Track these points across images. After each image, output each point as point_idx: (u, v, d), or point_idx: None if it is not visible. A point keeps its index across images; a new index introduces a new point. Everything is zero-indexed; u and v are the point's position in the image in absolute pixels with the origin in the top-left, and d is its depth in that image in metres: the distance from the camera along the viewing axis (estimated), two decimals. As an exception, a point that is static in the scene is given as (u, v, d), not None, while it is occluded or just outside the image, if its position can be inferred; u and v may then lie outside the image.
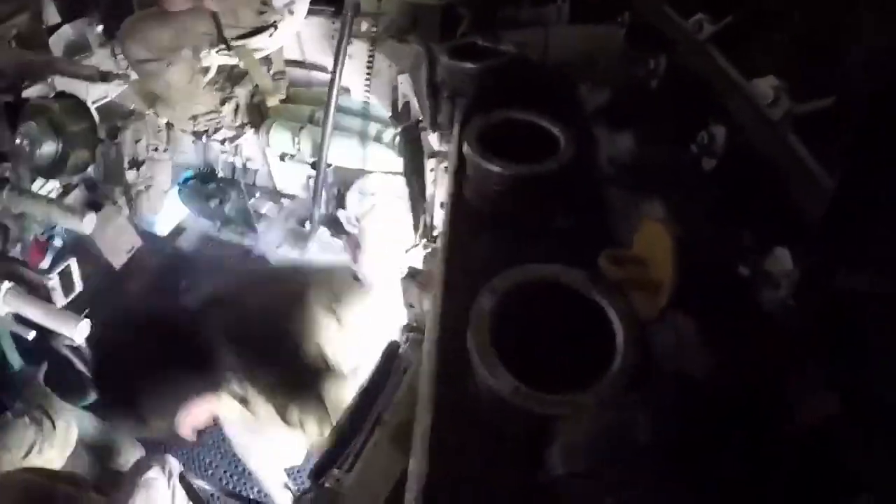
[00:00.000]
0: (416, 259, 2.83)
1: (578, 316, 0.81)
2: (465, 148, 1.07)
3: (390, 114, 2.50)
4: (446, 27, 1.84)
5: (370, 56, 2.72)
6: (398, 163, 2.83)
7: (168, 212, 4.23)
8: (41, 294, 2.48)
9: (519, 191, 1.05)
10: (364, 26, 2.76)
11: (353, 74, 2.97)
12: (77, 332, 2.19)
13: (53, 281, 2.56)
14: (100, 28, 3.18)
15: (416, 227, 2.14)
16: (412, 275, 1.64)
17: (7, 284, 2.29)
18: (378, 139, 3.26)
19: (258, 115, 3.67)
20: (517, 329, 0.78)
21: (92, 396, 2.98)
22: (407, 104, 2.26)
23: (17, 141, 2.24)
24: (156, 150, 3.93)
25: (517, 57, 1.38)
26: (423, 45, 1.85)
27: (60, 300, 2.58)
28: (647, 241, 0.86)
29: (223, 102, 3.44)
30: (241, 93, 3.60)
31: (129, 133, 3.76)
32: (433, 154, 1.89)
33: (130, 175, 3.83)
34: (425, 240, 2.10)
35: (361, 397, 1.48)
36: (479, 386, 0.74)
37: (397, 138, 3.20)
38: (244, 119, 3.67)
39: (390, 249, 2.83)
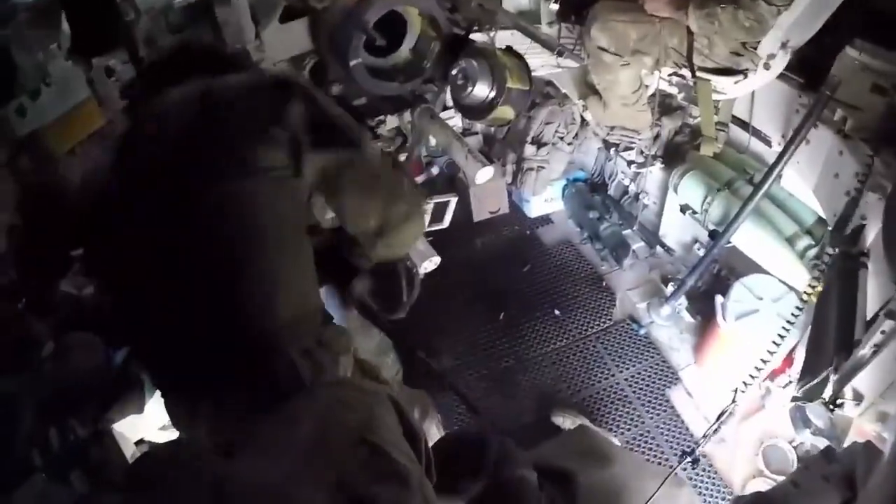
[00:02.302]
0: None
1: None
2: None
3: (832, 226, 1.97)
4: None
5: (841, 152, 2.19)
6: (803, 279, 2.28)
7: (544, 198, 4.23)
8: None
9: None
10: (837, 114, 2.26)
11: (803, 162, 2.48)
12: (427, 262, 2.14)
13: (429, 206, 2.57)
14: (554, 5, 3.06)
15: (804, 378, 1.58)
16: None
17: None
18: (790, 242, 2.71)
19: (673, 155, 3.43)
20: None
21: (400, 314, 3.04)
22: (861, 228, 1.75)
23: (453, 72, 2.26)
24: (562, 138, 3.92)
25: None
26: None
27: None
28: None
29: (650, 126, 3.23)
30: (668, 125, 3.40)
31: (545, 112, 3.80)
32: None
33: (529, 150, 3.90)
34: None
35: None
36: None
37: (810, 252, 2.63)
38: (659, 151, 3.47)
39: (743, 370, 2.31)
